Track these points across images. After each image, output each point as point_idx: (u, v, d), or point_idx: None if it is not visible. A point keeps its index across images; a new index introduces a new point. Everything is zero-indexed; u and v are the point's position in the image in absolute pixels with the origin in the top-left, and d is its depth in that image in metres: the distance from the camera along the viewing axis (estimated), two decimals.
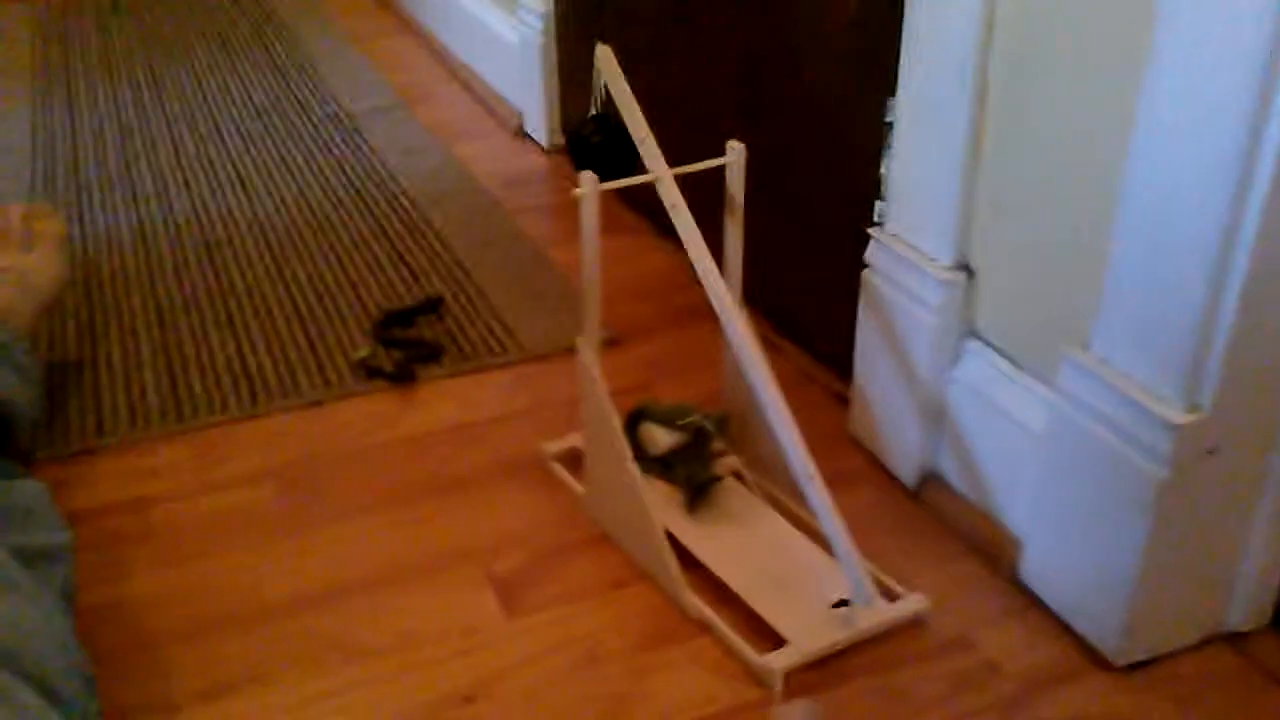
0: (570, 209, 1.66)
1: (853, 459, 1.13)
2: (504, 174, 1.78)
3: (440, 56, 2.28)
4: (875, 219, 1.09)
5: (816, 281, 1.24)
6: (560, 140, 1.83)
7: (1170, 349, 0.79)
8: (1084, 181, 0.86)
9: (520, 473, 1.11)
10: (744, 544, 0.99)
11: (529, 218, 1.63)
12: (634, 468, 0.96)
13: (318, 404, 1.22)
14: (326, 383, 1.25)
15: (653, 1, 1.47)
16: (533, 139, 1.89)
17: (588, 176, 0.92)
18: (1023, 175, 0.92)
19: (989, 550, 1.00)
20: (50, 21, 2.55)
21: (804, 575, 0.95)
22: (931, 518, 1.05)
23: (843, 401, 1.18)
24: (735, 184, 0.99)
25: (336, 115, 2.00)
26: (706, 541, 0.99)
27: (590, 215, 0.93)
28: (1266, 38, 0.67)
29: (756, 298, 1.31)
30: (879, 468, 1.11)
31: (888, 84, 1.01)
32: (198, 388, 1.25)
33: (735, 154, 0.98)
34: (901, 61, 0.99)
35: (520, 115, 1.93)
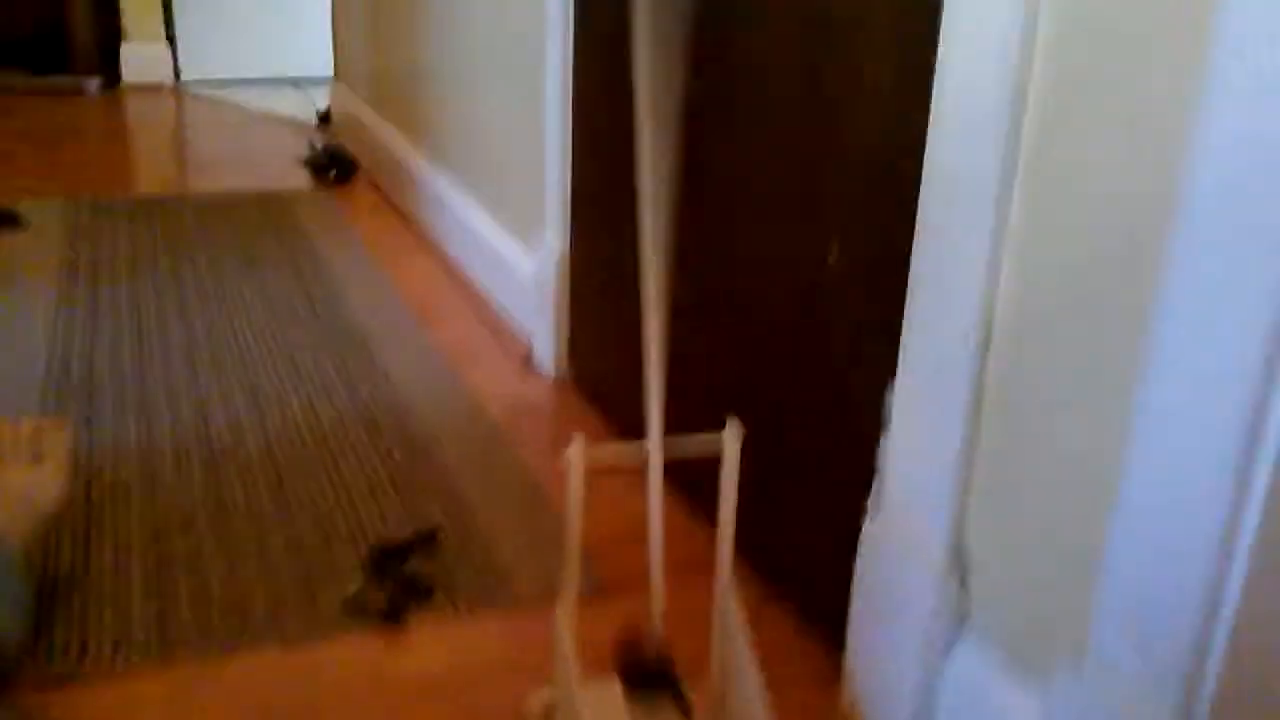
0: (561, 434, 1.68)
1: None
2: (509, 401, 1.80)
3: (456, 278, 2.35)
4: (870, 498, 1.10)
5: (813, 543, 1.24)
6: (566, 370, 1.87)
7: (1165, 663, 0.79)
8: (1080, 478, 0.88)
9: None
10: None
11: (531, 450, 1.64)
12: None
13: (306, 641, 1.21)
14: (316, 620, 1.24)
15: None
16: (539, 369, 1.93)
17: (577, 442, 0.94)
18: (1020, 467, 0.94)
19: None
20: (82, 219, 2.64)
21: None
22: None
23: (837, 668, 1.17)
24: (730, 468, 1.00)
25: (350, 329, 2.05)
26: None
27: (576, 484, 0.94)
28: (1259, 361, 0.70)
29: (752, 550, 1.32)
30: None
31: (893, 359, 1.04)
32: (185, 616, 1.24)
33: (732, 434, 1.00)
34: (902, 343, 1.02)
35: (529, 343, 1.97)
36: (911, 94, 0.99)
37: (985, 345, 0.93)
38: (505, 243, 2.12)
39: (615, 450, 1.00)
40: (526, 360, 1.96)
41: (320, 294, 2.23)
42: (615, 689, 1.05)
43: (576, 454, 0.93)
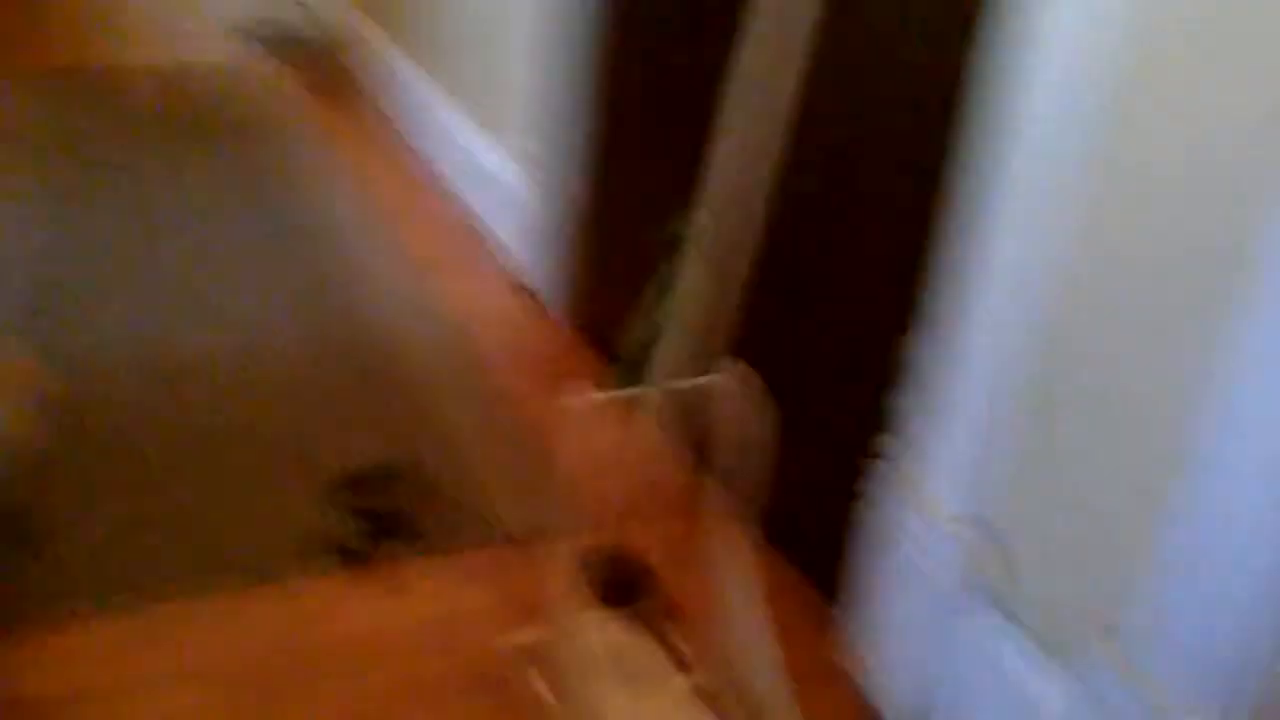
0: (550, 364, 1.61)
1: (837, 690, 1.07)
2: (483, 315, 1.72)
3: (431, 181, 2.25)
4: (879, 451, 1.04)
5: (813, 496, 1.19)
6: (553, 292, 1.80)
7: (1210, 663, 0.74)
8: (1129, 465, 0.81)
9: (491, 686, 1.04)
10: None
11: (513, 375, 1.57)
12: None
13: (276, 580, 1.15)
14: (286, 556, 1.18)
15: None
16: (523, 283, 1.85)
17: (580, 390, 0.90)
18: (1064, 446, 0.87)
19: None
20: (59, 123, 2.49)
21: None
22: None
23: (825, 620, 1.13)
24: (725, 408, 0.96)
25: (319, 232, 1.95)
26: None
27: (578, 429, 0.89)
28: None
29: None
30: (864, 704, 1.06)
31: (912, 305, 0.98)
32: (151, 544, 1.17)
33: (730, 375, 0.95)
34: (931, 287, 0.96)
35: (514, 255, 1.89)
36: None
37: (1038, 301, 0.86)
38: (482, 148, 2.02)
39: (615, 395, 0.95)
40: (510, 273, 1.88)
41: (286, 192, 2.12)
42: (612, 624, 1.02)
43: (579, 400, 0.89)
